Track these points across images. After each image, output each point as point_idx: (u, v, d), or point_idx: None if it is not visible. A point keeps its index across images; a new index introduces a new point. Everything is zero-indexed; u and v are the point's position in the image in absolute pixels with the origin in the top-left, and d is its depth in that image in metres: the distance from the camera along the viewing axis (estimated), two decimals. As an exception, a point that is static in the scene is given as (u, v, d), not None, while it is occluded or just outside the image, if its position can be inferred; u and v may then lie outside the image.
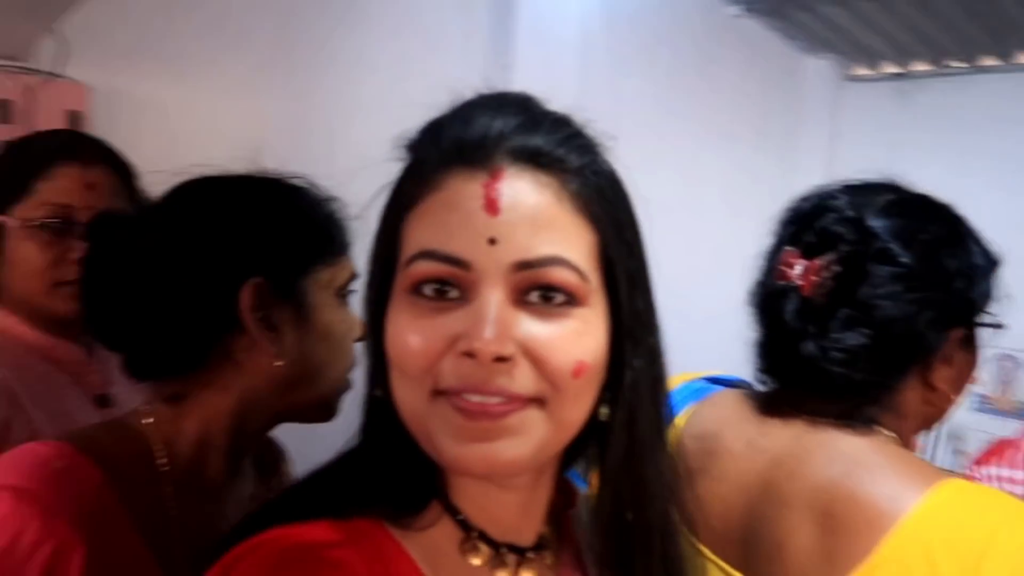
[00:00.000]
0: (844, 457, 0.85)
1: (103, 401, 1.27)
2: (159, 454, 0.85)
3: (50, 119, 2.92)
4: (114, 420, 0.93)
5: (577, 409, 0.58)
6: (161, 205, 0.89)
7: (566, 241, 0.55)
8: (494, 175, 0.54)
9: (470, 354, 0.53)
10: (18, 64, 2.77)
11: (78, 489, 0.77)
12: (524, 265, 0.53)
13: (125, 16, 2.88)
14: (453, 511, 0.62)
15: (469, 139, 0.56)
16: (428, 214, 0.56)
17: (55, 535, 0.73)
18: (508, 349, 0.53)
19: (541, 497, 0.66)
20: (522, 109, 0.59)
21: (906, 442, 0.90)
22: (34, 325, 1.24)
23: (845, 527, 0.80)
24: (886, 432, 0.88)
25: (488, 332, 0.52)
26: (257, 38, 2.21)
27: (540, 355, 0.54)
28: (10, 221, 1.20)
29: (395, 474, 0.61)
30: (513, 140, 0.56)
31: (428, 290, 0.55)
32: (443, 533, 0.62)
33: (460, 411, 0.54)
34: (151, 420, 0.87)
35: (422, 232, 0.56)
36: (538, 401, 0.55)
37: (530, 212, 0.54)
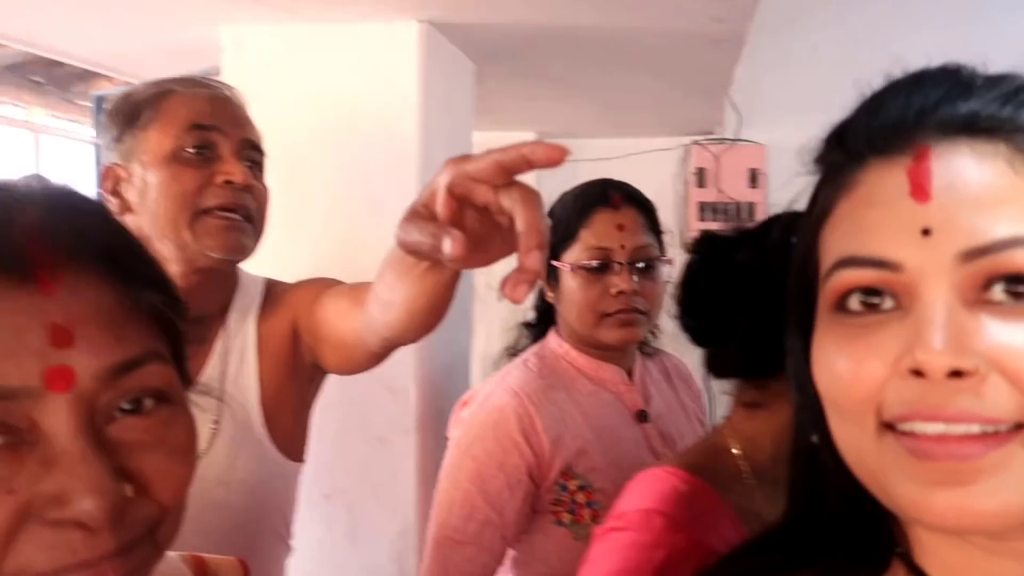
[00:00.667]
0: None
1: (641, 416, 1.44)
2: (738, 457, 0.98)
3: (734, 179, 3.54)
4: (702, 440, 1.09)
5: None
6: (756, 229, 1.00)
7: None
8: (918, 157, 0.46)
9: (917, 372, 0.43)
10: (711, 136, 3.43)
11: (699, 505, 0.91)
12: (975, 253, 0.43)
13: (787, 75, 3.25)
14: (919, 575, 0.51)
15: (881, 125, 0.48)
16: (843, 219, 0.49)
17: (698, 547, 0.85)
18: (967, 361, 0.42)
19: None
20: (944, 78, 0.48)
21: None
22: (584, 351, 1.43)
23: None
24: None
25: (936, 340, 0.42)
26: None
27: (1018, 367, 0.42)
28: (563, 265, 1.40)
29: (845, 530, 0.53)
30: (938, 113, 0.46)
31: (855, 304, 0.47)
32: None
33: (914, 452, 0.44)
34: (730, 425, 1.01)
35: (838, 239, 0.49)
36: (1022, 429, 0.43)
37: (974, 189, 0.44)
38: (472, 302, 2.26)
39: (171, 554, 0.63)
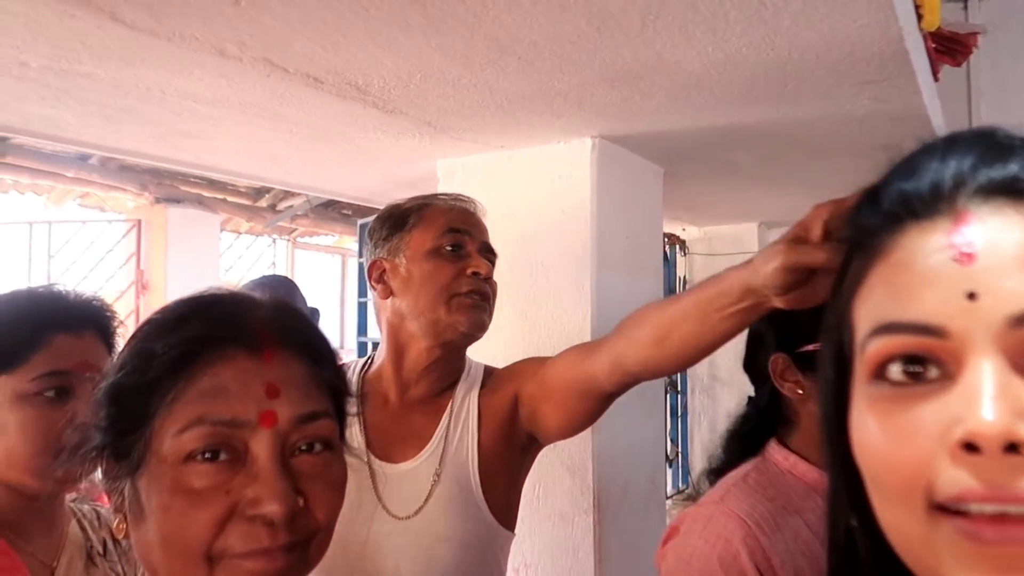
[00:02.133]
0: None
1: None
2: None
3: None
4: None
5: None
6: None
7: None
8: (958, 219, 0.44)
9: (970, 446, 0.40)
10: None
11: None
12: (1019, 320, 0.41)
13: None
14: None
15: (917, 188, 0.46)
16: (878, 284, 0.46)
17: None
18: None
19: None
20: (979, 141, 0.47)
21: None
22: (817, 464, 1.24)
23: None
24: None
25: (989, 411, 0.39)
26: None
27: None
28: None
29: None
30: (977, 176, 0.45)
31: (895, 373, 0.44)
32: None
33: (969, 536, 0.40)
34: None
35: (874, 305, 0.46)
36: None
37: (1018, 251, 0.42)
38: (660, 389, 2.33)
39: None
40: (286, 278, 3.06)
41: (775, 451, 1.19)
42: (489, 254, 1.44)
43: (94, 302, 1.09)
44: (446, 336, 1.36)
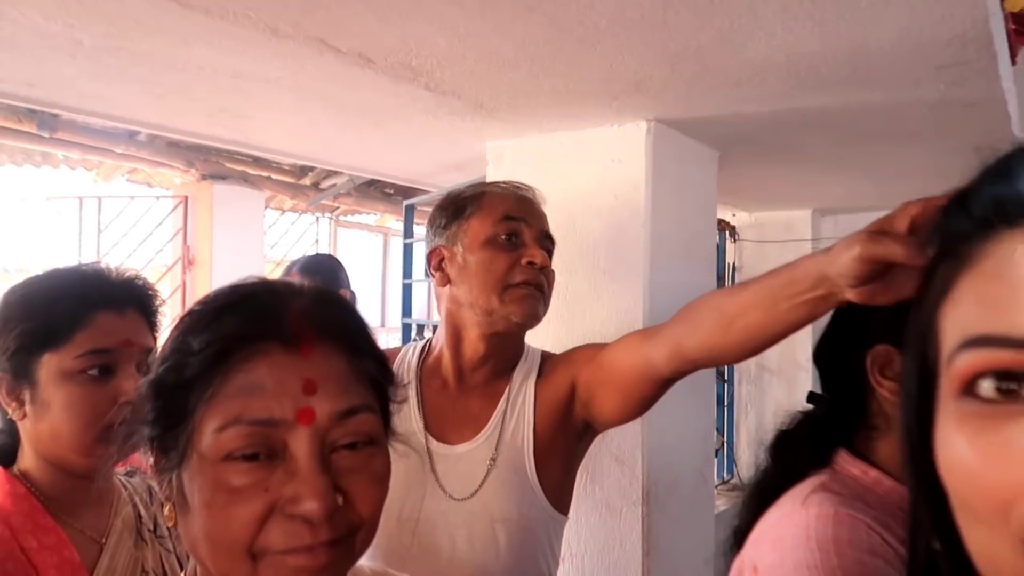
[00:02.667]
0: None
1: None
2: None
3: None
4: None
5: None
6: None
7: None
8: None
9: None
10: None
11: None
12: None
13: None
14: None
15: (1015, 193, 0.43)
16: (968, 293, 0.44)
17: None
18: None
19: None
20: None
21: None
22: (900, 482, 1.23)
23: None
24: None
25: None
26: None
27: None
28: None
29: None
30: None
31: (988, 390, 0.41)
32: None
33: None
34: None
35: (963, 316, 0.43)
36: None
37: None
38: (712, 379, 2.29)
39: (367, 566, 0.82)
40: (331, 257, 3.06)
41: (849, 463, 0.98)
42: (547, 242, 1.42)
43: (136, 280, 1.08)
44: (499, 326, 1.36)
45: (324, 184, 4.43)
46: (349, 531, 0.63)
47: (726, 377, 3.41)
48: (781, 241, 3.26)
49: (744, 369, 3.46)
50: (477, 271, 1.35)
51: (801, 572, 0.84)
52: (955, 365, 0.42)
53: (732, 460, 3.43)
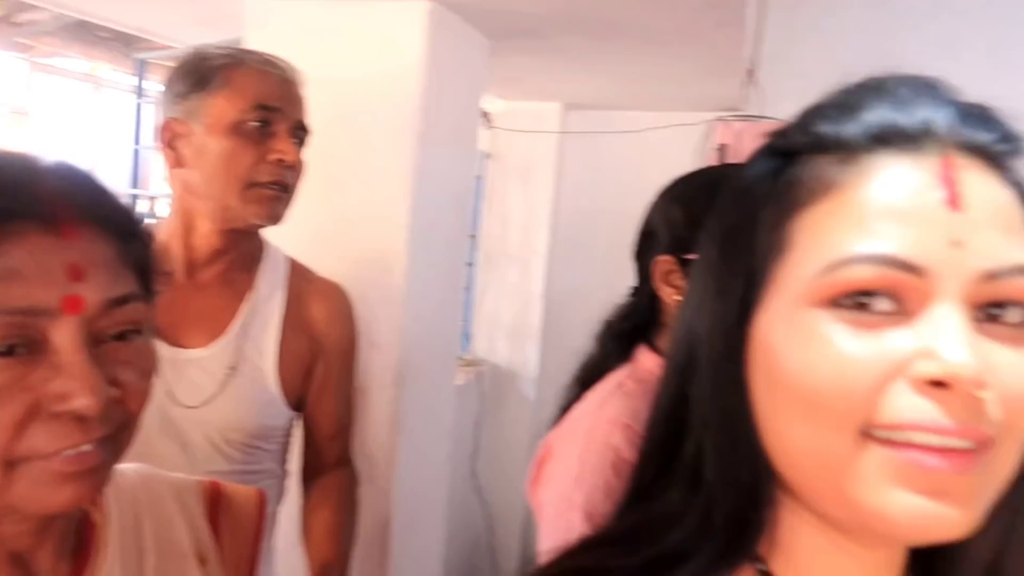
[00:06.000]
0: None
1: None
2: None
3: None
4: None
5: (1017, 459, 0.45)
6: None
7: None
8: (947, 164, 0.44)
9: (939, 383, 0.41)
10: (736, 113, 3.41)
11: None
12: (990, 276, 0.43)
13: (817, 51, 3.21)
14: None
15: (907, 125, 0.45)
16: (851, 206, 0.45)
17: None
18: (988, 379, 0.41)
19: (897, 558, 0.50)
20: (953, 97, 0.48)
21: None
22: None
23: None
24: None
25: (963, 355, 0.41)
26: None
27: (1007, 388, 0.42)
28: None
29: (704, 531, 0.49)
30: (962, 132, 0.45)
31: (849, 302, 0.44)
32: None
33: (913, 463, 0.42)
34: None
35: (848, 230, 0.44)
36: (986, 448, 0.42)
37: (996, 212, 0.44)
38: (463, 264, 2.38)
39: (188, 479, 0.78)
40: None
41: (647, 358, 1.08)
42: (301, 134, 1.30)
43: None
44: (236, 224, 1.26)
45: (20, 18, 3.72)
46: (118, 428, 0.59)
47: (469, 261, 3.55)
48: (532, 132, 3.38)
49: (485, 253, 3.62)
50: (217, 160, 1.21)
51: (565, 470, 1.01)
52: (834, 277, 0.44)
53: (467, 338, 3.63)
